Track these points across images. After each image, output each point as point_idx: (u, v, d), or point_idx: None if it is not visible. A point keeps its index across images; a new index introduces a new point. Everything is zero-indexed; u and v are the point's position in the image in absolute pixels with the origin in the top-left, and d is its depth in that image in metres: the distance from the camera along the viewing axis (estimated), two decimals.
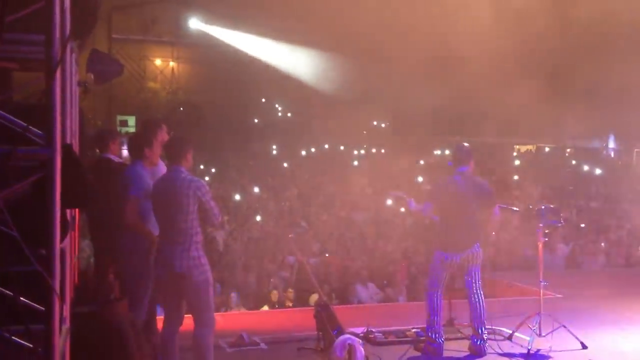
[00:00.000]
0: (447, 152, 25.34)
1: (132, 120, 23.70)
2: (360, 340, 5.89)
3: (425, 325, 6.23)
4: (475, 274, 6.18)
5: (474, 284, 6.17)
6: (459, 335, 6.57)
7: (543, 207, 6.82)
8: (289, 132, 26.20)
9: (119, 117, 23.79)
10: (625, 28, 13.83)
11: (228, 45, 24.69)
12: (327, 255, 10.54)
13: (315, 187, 17.94)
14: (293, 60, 25.22)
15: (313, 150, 25.96)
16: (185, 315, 5.16)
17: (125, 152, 6.02)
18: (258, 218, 13.70)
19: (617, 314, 7.66)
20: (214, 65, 25.49)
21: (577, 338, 6.33)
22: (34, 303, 3.08)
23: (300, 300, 9.46)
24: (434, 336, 6.10)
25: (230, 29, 24.56)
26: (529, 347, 6.11)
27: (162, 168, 5.54)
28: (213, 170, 20.70)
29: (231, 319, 7.59)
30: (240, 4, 21.56)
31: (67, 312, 3.46)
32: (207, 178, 19.13)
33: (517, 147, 28.51)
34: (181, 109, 26.39)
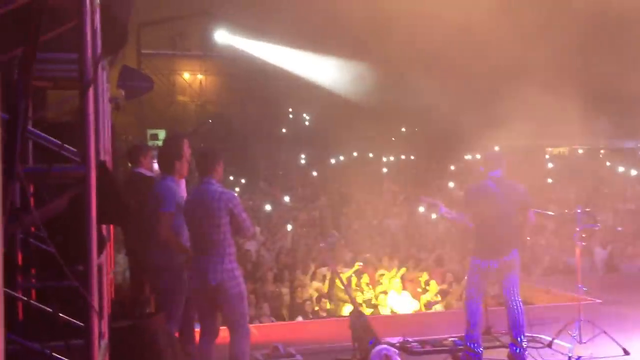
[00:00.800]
0: (478, 156, 25.11)
1: (162, 134, 23.98)
2: (397, 350, 5.83)
3: (463, 334, 6.14)
4: (512, 280, 6.07)
5: (511, 291, 6.05)
6: (498, 343, 6.46)
7: (579, 210, 6.69)
8: (317, 141, 26.25)
9: (150, 132, 24.10)
10: None
11: (255, 57, 24.88)
12: (359, 264, 10.48)
13: (345, 196, 17.90)
14: (319, 69, 25.29)
15: (342, 158, 25.96)
16: (221, 328, 5.17)
17: (156, 166, 6.07)
18: (289, 228, 13.69)
19: None
20: (241, 77, 25.72)
21: (618, 344, 6.18)
22: (73, 319, 3.11)
23: (335, 311, 9.42)
24: (472, 345, 6.00)
25: (257, 40, 24.75)
26: (570, 355, 5.99)
27: (183, 182, 5.57)
28: (243, 181, 20.82)
29: (265, 331, 7.57)
30: (265, 15, 21.73)
31: (105, 328, 3.48)
32: (237, 189, 19.25)
33: (549, 149, 28.12)
34: (210, 121, 26.63)
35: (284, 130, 28.37)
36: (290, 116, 29.58)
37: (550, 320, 6.87)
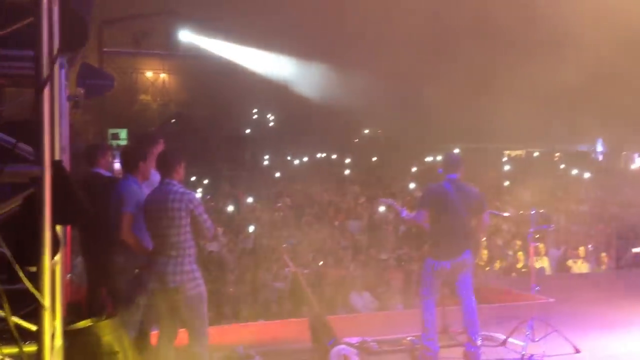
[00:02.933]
0: (438, 158, 25.46)
1: (123, 133, 23.70)
2: (356, 351, 5.90)
3: (420, 334, 6.24)
4: (466, 280, 6.21)
5: (466, 291, 6.19)
6: (454, 342, 6.59)
7: (533, 212, 6.87)
8: (281, 142, 26.27)
9: (111, 131, 23.77)
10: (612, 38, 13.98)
11: (219, 57, 24.74)
12: (320, 264, 10.53)
13: (308, 197, 17.96)
14: (285, 70, 25.29)
15: (305, 159, 26.03)
16: (180, 330, 5.16)
17: (117, 166, 6.00)
18: (251, 229, 13.69)
19: (609, 317, 7.70)
20: (205, 76, 25.58)
21: (570, 342, 6.36)
22: (27, 322, 3.08)
23: (296, 312, 9.44)
24: (429, 344, 6.11)
25: (221, 40, 24.61)
26: (523, 353, 6.13)
27: (156, 178, 5.52)
28: (206, 181, 20.72)
29: (226, 332, 7.56)
30: (231, 15, 21.67)
31: (59, 330, 3.45)
32: (199, 190, 19.15)
33: (507, 152, 28.70)
34: (173, 121, 26.41)
35: (247, 130, 28.31)
36: (255, 117, 29.51)
37: (505, 319, 7.03)
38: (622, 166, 27.89)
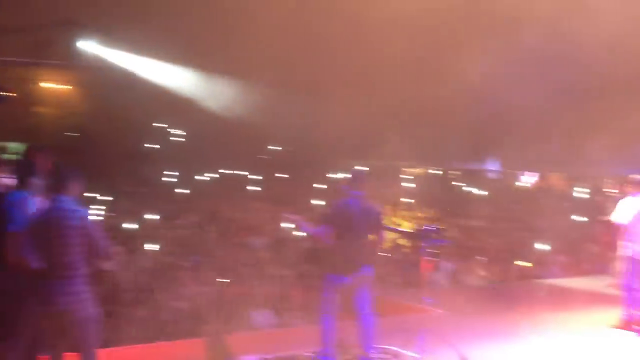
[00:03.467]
0: (343, 175, 25.87)
1: (15, 147, 22.60)
2: None
3: (318, 349, 6.38)
4: (364, 295, 6.41)
5: (363, 305, 6.39)
6: (349, 356, 6.75)
7: (428, 227, 7.20)
8: (185, 157, 25.87)
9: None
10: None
11: (123, 69, 24.12)
12: (219, 281, 10.51)
13: (212, 213, 17.81)
14: (190, 84, 24.99)
15: (209, 176, 25.76)
16: (70, 354, 5.02)
17: (6, 181, 5.75)
18: (151, 247, 13.43)
19: (495, 327, 8.15)
20: (107, 89, 24.82)
21: (458, 352, 6.69)
22: None
23: (194, 331, 9.34)
24: (326, 359, 6.26)
25: (125, 52, 24.02)
26: None
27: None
28: (104, 198, 20.08)
29: (123, 355, 7.41)
30: (137, 27, 21.22)
31: None
32: (98, 206, 18.55)
33: (406, 169, 29.61)
34: (73, 134, 25.46)
35: (150, 145, 27.69)
36: (158, 131, 28.93)
37: (399, 331, 7.29)
38: (512, 183, 29.46)
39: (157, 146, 27.44)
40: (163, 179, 24.50)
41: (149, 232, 15.13)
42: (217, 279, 10.98)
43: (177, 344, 8.17)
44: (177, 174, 24.89)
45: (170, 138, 29.12)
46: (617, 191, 10.13)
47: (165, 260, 12.64)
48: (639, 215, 7.93)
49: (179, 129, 29.08)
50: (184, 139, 28.90)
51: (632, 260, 7.95)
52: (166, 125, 28.79)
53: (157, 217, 17.14)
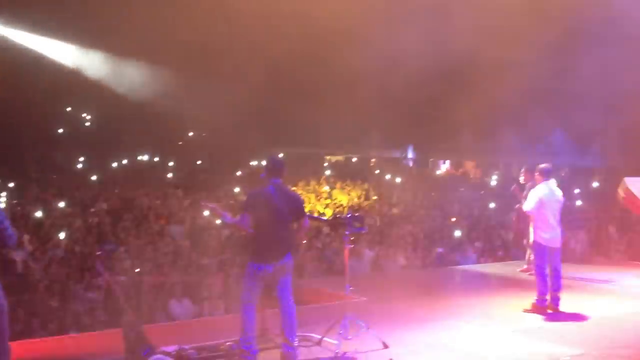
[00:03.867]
0: (263, 163, 25.76)
1: None
2: (172, 359, 5.79)
3: (239, 338, 6.27)
4: (286, 283, 6.35)
5: (285, 293, 6.33)
6: (272, 344, 6.70)
7: (348, 215, 7.21)
8: (97, 143, 24.98)
9: None
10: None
11: (31, 50, 22.97)
12: (136, 271, 10.19)
13: (127, 201, 17.27)
14: (105, 69, 24.11)
15: (125, 162, 25.00)
16: None
17: None
18: (62, 236, 12.88)
19: (416, 313, 8.29)
20: (13, 71, 23.58)
21: (379, 338, 6.76)
22: None
23: (111, 322, 9.03)
24: (247, 348, 6.16)
25: (34, 34, 22.87)
26: (337, 351, 6.41)
27: None
28: (11, 184, 19.11)
29: (35, 347, 7.06)
30: (46, 8, 20.23)
31: None
32: (4, 194, 17.67)
33: (328, 157, 29.84)
34: None
35: (60, 130, 26.58)
36: (69, 116, 27.81)
37: (321, 319, 7.30)
38: (430, 172, 30.26)
39: (68, 131, 26.37)
40: (76, 165, 23.57)
41: (60, 220, 14.50)
42: (134, 269, 10.63)
43: (93, 336, 7.89)
44: (89, 160, 23.99)
45: (82, 123, 28.06)
46: (524, 179, 10.47)
47: (78, 249, 12.15)
48: (547, 203, 8.24)
49: (91, 113, 28.06)
50: (96, 125, 27.92)
51: (542, 246, 8.24)
52: (78, 110, 27.72)
53: (68, 204, 16.44)
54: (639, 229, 13.64)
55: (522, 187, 10.32)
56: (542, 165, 8.53)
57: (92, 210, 16.19)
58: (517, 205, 10.53)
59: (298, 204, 6.49)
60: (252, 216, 6.28)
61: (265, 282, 6.35)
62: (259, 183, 6.63)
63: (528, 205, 8.48)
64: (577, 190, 18.96)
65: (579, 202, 16.84)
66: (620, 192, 4.37)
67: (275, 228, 6.23)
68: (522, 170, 10.50)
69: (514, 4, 13.59)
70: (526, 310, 8.28)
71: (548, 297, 8.25)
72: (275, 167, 6.45)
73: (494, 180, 23.99)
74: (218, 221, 13.88)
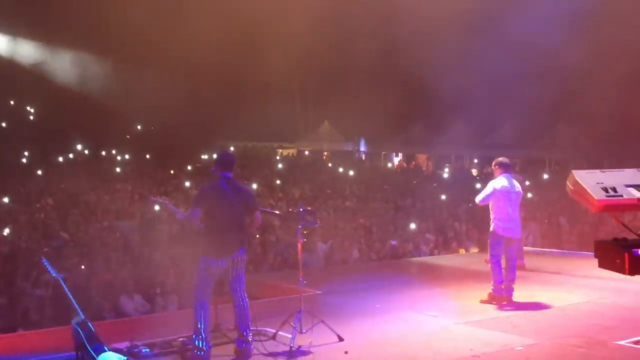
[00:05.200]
0: (214, 156, 25.46)
1: None
2: (124, 356, 5.64)
3: (192, 334, 6.16)
4: (239, 277, 6.28)
5: (238, 288, 6.26)
6: (226, 339, 6.61)
7: (301, 209, 7.17)
8: (42, 137, 24.24)
9: None
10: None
11: None
12: (82, 267, 9.93)
13: (74, 196, 16.81)
14: (48, 60, 23.44)
15: (71, 156, 24.34)
16: None
17: None
18: (7, 231, 12.46)
19: (370, 306, 8.31)
20: None
21: (334, 331, 6.73)
22: None
23: (59, 319, 8.78)
24: (200, 344, 6.05)
25: None
26: (291, 345, 6.36)
27: None
28: None
29: None
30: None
31: None
32: None
33: (280, 151, 29.70)
34: None
35: (3, 124, 25.68)
36: (11, 109, 26.89)
37: (275, 313, 7.24)
38: (382, 164, 30.47)
39: (10, 124, 25.51)
40: (21, 159, 22.81)
41: (2, 215, 14.02)
42: (83, 265, 10.35)
43: (41, 333, 7.66)
44: (33, 153, 23.25)
45: (27, 116, 27.19)
46: (476, 171, 10.58)
47: (24, 245, 11.77)
48: (505, 195, 8.34)
49: (36, 106, 27.22)
50: (40, 117, 27.09)
51: (499, 236, 8.34)
52: (22, 103, 26.86)
53: (10, 199, 15.91)
54: (589, 219, 14.01)
55: (474, 179, 10.42)
56: (500, 159, 8.67)
57: (38, 205, 15.73)
58: (472, 197, 10.61)
59: (250, 197, 6.43)
60: (204, 211, 6.20)
61: (218, 277, 6.26)
62: (210, 177, 6.53)
63: (479, 196, 8.59)
64: (527, 182, 19.36)
65: (529, 194, 17.20)
66: (569, 184, 4.46)
67: (228, 222, 6.16)
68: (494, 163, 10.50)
69: None
70: (483, 301, 8.35)
71: (503, 286, 8.35)
72: (226, 161, 6.38)
73: (445, 173, 24.31)
74: (168, 215, 13.66)
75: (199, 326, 6.07)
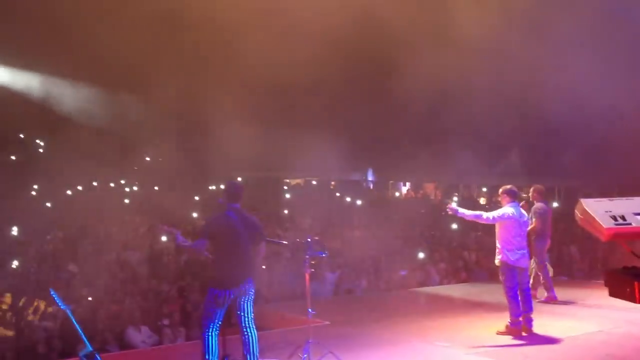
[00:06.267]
0: (221, 187, 25.51)
1: None
2: None
3: None
4: (248, 308, 6.25)
5: (246, 319, 6.23)
6: None
7: (309, 239, 7.15)
8: (51, 169, 24.40)
9: None
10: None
11: None
12: (89, 299, 9.92)
13: (83, 228, 16.86)
14: (58, 94, 23.66)
15: (80, 188, 24.47)
16: None
17: None
18: (16, 264, 12.49)
19: (379, 336, 8.23)
20: None
21: None
22: None
23: (68, 352, 8.75)
24: None
25: None
26: None
27: None
28: None
29: None
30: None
31: None
32: None
33: (288, 180, 29.73)
34: None
35: (12, 157, 25.92)
36: (21, 141, 27.18)
37: (283, 344, 7.19)
38: (390, 194, 30.42)
39: (20, 156, 25.73)
40: (30, 192, 22.95)
41: (13, 247, 14.07)
42: (90, 297, 10.34)
43: None
44: (42, 186, 23.39)
45: (35, 148, 27.43)
46: (532, 198, 10.47)
47: (32, 277, 11.80)
48: (515, 223, 8.11)
49: (45, 139, 27.48)
50: (49, 149, 27.33)
51: (511, 267, 8.08)
52: (31, 136, 27.12)
53: (21, 231, 15.98)
54: (600, 248, 13.83)
55: (530, 205, 10.24)
56: (508, 187, 8.34)
57: (48, 237, 15.79)
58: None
59: (258, 228, 6.43)
60: (212, 241, 6.20)
61: (227, 308, 6.24)
62: (218, 208, 6.55)
63: (488, 214, 8.21)
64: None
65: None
66: (577, 213, 4.41)
67: (236, 253, 6.17)
68: (531, 189, 10.45)
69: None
70: (500, 333, 8.12)
71: (521, 318, 8.18)
72: (234, 192, 6.41)
73: (454, 202, 24.18)
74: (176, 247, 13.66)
75: (207, 357, 6.04)
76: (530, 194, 10.40)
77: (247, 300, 6.24)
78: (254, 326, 6.25)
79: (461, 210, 8.11)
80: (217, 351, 6.14)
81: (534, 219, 9.93)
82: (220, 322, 6.21)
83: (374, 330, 8.56)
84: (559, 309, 9.88)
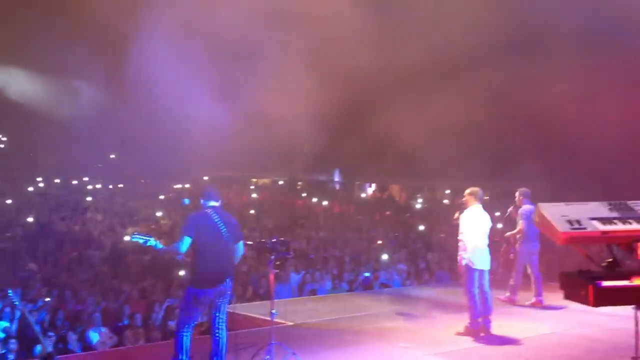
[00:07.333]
0: (187, 186, 25.33)
1: None
2: None
3: None
4: (223, 309, 6.21)
5: (220, 319, 6.18)
6: None
7: (274, 240, 7.13)
8: (11, 165, 23.91)
9: None
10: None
11: None
12: (47, 300, 9.73)
13: (45, 226, 16.55)
14: (18, 85, 23.19)
15: (41, 185, 24.02)
16: None
17: None
18: None
19: (343, 337, 8.26)
20: None
21: None
22: None
23: (25, 353, 8.58)
24: None
25: None
26: None
27: None
28: None
29: None
30: None
31: None
32: None
33: (255, 180, 29.62)
34: None
35: None
36: None
37: (246, 345, 7.15)
38: (356, 195, 30.54)
39: None
40: None
41: None
42: (48, 297, 10.15)
43: None
44: (2, 182, 22.88)
45: None
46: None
47: None
48: (474, 226, 8.20)
49: (6, 133, 26.90)
50: (11, 145, 26.76)
51: (472, 269, 8.15)
52: None
53: None
54: (556, 251, 14.05)
55: (517, 210, 10.28)
56: (476, 189, 8.39)
57: (8, 235, 15.46)
58: (507, 234, 10.41)
59: (236, 227, 6.39)
60: (193, 240, 6.07)
61: (204, 308, 6.16)
62: (182, 207, 6.49)
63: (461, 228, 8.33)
64: (497, 213, 19.47)
65: (499, 225, 17.30)
66: (534, 217, 4.51)
67: (218, 252, 6.11)
68: (517, 193, 10.39)
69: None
70: (459, 333, 8.22)
71: (480, 319, 8.29)
72: (213, 191, 6.40)
73: (419, 204, 24.42)
74: (140, 246, 13.47)
75: (181, 357, 5.98)
76: (516, 198, 10.42)
77: (225, 300, 6.19)
78: (226, 327, 6.22)
79: None
80: (190, 352, 6.07)
81: (520, 221, 10.02)
82: (195, 323, 6.17)
83: (337, 331, 8.57)
84: (517, 310, 10.05)
